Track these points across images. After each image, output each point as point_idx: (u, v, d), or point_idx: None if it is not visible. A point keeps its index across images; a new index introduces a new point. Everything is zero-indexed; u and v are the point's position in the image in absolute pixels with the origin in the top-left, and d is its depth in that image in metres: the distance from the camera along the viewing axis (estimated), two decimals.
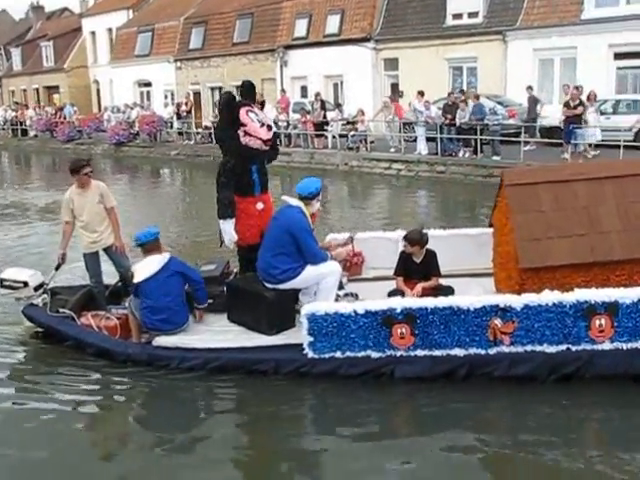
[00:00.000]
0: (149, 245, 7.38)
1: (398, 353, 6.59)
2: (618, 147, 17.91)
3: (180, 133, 32.34)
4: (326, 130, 25.64)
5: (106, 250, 8.31)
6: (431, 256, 7.57)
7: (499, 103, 23.57)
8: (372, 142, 24.38)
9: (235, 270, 8.21)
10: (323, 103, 26.18)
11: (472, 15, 28.04)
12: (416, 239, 7.46)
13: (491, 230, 7.98)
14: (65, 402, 6.71)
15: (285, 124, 27.06)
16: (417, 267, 7.56)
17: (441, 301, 6.53)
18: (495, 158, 20.40)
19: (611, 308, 6.33)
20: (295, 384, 6.70)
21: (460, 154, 21.42)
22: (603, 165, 8.48)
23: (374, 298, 6.88)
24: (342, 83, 32.44)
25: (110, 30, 48.23)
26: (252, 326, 7.20)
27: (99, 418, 6.72)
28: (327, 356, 6.66)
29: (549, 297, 6.38)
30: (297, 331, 6.93)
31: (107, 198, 8.22)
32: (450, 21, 28.71)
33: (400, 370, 6.61)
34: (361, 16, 31.18)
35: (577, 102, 19.12)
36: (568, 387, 6.40)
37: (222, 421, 6.37)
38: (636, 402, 6.24)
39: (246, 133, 7.34)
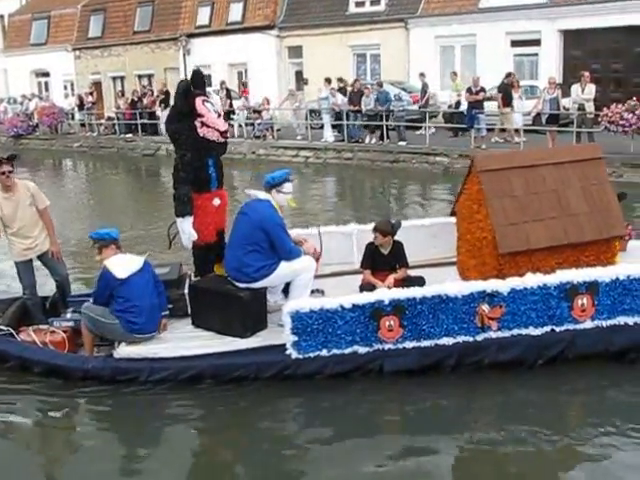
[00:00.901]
0: (118, 243, 6.85)
1: (386, 346, 6.37)
2: (517, 130, 18.51)
3: (82, 125, 31.43)
4: (232, 119, 25.44)
5: (41, 257, 7.55)
6: (399, 247, 7.41)
7: (403, 89, 23.95)
8: (279, 130, 24.36)
9: (189, 272, 7.68)
10: (228, 92, 25.98)
11: (374, 3, 28.41)
12: (388, 230, 7.29)
13: (444, 220, 8.05)
14: (21, 430, 6.14)
15: None
16: (385, 259, 7.38)
17: (429, 290, 6.41)
18: (401, 143, 20.75)
19: (592, 287, 6.45)
20: (270, 389, 6.33)
21: (367, 140, 21.68)
22: (563, 150, 8.58)
23: (339, 294, 6.62)
24: (246, 71, 32.24)
25: (2, 17, 46.32)
26: (223, 330, 6.71)
27: (61, 444, 6.08)
28: (312, 355, 6.32)
29: (534, 280, 6.41)
30: (271, 332, 6.64)
31: (39, 198, 7.43)
32: (353, 9, 28.95)
33: (389, 364, 6.39)
34: (264, 4, 31.04)
35: (478, 88, 19.62)
36: (552, 371, 6.46)
37: (196, 436, 6.06)
38: (615, 381, 6.40)
39: (203, 124, 6.91)
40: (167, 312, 6.98)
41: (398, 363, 6.40)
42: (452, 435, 5.71)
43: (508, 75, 20.50)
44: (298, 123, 24.07)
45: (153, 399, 6.36)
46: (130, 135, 28.31)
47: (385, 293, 6.40)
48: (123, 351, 6.60)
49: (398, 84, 24.70)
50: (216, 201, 7.18)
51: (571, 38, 24.81)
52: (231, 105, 25.56)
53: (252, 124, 24.72)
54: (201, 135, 6.92)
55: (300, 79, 30.07)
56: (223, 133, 7.09)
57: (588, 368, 6.45)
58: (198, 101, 6.94)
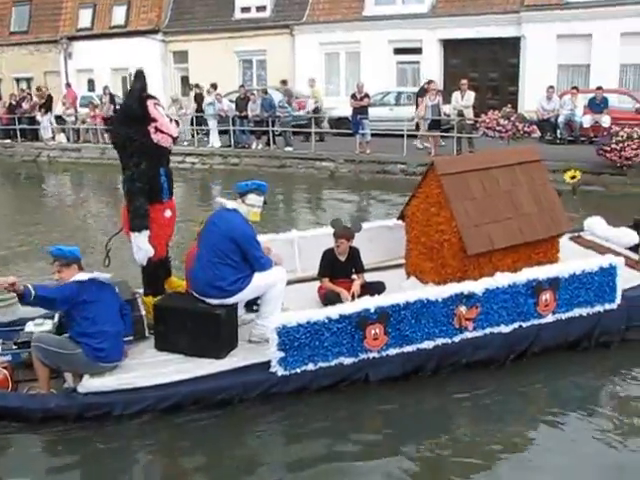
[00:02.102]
0: (80, 263, 6.14)
1: (371, 355, 6.28)
2: (402, 136, 18.93)
3: None
4: None
5: None
6: (356, 252, 7.32)
7: (289, 96, 24.05)
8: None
9: (137, 291, 6.93)
10: (112, 97, 25.37)
11: (260, 9, 28.49)
12: (348, 233, 7.21)
13: (379, 224, 8.21)
14: None
15: (73, 119, 25.94)
16: (343, 265, 7.27)
17: (412, 295, 6.38)
18: (287, 149, 20.83)
19: (554, 283, 6.79)
20: (236, 413, 5.97)
21: (253, 146, 21.66)
22: (509, 152, 8.87)
23: (294, 306, 6.55)
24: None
25: None
26: (194, 352, 6.18)
27: None
28: (299, 371, 6.09)
29: (505, 279, 6.62)
30: (244, 349, 6.34)
31: None
32: (239, 14, 28.93)
33: (374, 373, 6.29)
34: (148, 7, 30.57)
35: (363, 94, 19.95)
36: (514, 366, 6.69)
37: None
38: (572, 369, 6.77)
39: (157, 130, 6.38)
40: (131, 337, 6.34)
41: (383, 371, 6.33)
42: (430, 436, 5.76)
43: (429, 82, 20.88)
44: (183, 129, 23.75)
45: (115, 433, 5.77)
46: (8, 141, 27.16)
47: (371, 301, 6.27)
48: (90, 384, 5.85)
49: (285, 90, 24.79)
50: (167, 213, 6.69)
51: (451, 47, 25.67)
52: (115, 111, 24.93)
53: (106, 130, 24.18)
54: (155, 141, 6.40)
55: (186, 84, 29.74)
56: (175, 139, 6.69)
57: (546, 360, 6.75)
58: (151, 104, 6.44)
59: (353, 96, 20.11)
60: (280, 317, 6.07)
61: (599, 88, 19.43)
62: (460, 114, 18.55)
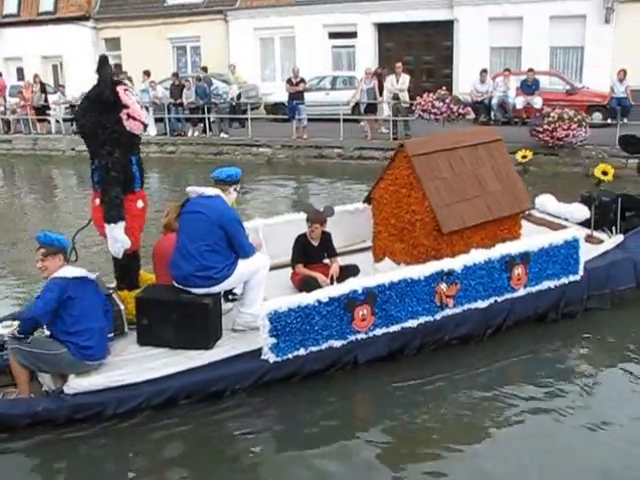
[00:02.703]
0: (66, 254, 5.87)
1: (359, 336, 6.31)
2: (338, 120, 18.96)
3: None
4: (48, 114, 24.29)
5: None
6: (328, 237, 7.32)
7: (224, 82, 23.82)
8: None
9: (109, 286, 6.73)
10: (43, 86, 24.74)
11: None
12: (322, 218, 7.22)
13: (344, 208, 8.23)
14: None
15: (2, 109, 25.22)
16: (315, 250, 7.26)
17: (396, 275, 6.47)
18: (224, 136, 20.66)
19: (525, 257, 7.05)
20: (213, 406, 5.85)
21: (189, 133, 21.41)
22: (471, 133, 9.01)
23: (272, 293, 6.47)
24: (62, 64, 30.85)
25: None
26: (180, 344, 6.03)
27: None
28: (291, 356, 6.06)
29: (481, 255, 6.82)
30: (231, 338, 6.24)
31: None
32: (171, 0, 28.45)
33: (362, 354, 6.33)
34: None
35: (298, 79, 19.87)
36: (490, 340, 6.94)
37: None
38: (543, 339, 7.09)
39: (129, 116, 6.16)
40: (112, 334, 6.13)
41: (370, 352, 6.38)
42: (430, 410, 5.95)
43: (383, 67, 20.77)
44: None
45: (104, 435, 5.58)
46: None
47: (358, 282, 6.33)
48: (78, 384, 5.60)
49: (219, 76, 24.54)
50: (140, 203, 6.46)
51: (385, 31, 25.75)
52: (46, 100, 24.36)
53: (71, 120, 23.67)
54: (128, 128, 6.18)
55: (119, 72, 29.15)
56: (145, 126, 6.48)
57: (518, 333, 7.06)
58: (121, 90, 6.18)
59: (289, 81, 20.02)
60: (271, 303, 6.00)
61: (530, 70, 19.76)
62: (395, 97, 18.64)
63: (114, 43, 29.76)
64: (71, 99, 24.40)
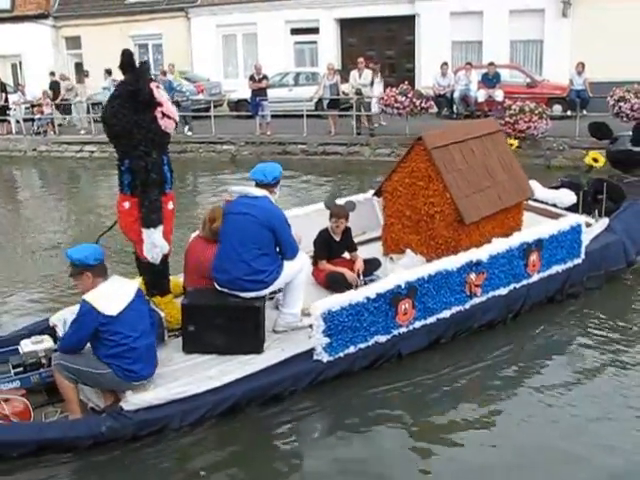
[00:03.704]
0: (101, 267, 5.37)
1: (401, 330, 6.34)
2: (301, 116, 18.98)
3: None
4: (8, 114, 23.99)
5: None
6: (348, 232, 7.25)
7: (187, 79, 23.74)
8: (60, 125, 23.28)
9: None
10: (3, 85, 24.43)
11: None
12: (346, 212, 7.14)
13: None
14: None
15: None
16: (338, 245, 7.18)
17: (432, 267, 6.55)
18: (188, 133, 20.54)
19: (539, 244, 7.25)
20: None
21: None
22: (476, 124, 9.31)
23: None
24: (21, 64, 30.46)
25: None
26: (230, 349, 5.82)
27: None
28: (342, 355, 5.99)
29: (503, 244, 7.00)
30: (276, 340, 6.07)
31: None
32: None
33: (404, 347, 6.36)
34: None
35: (261, 75, 19.86)
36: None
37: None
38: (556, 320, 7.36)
39: (164, 115, 5.87)
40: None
41: (412, 344, 6.43)
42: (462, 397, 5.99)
43: (376, 62, 20.78)
44: (80, 117, 23.14)
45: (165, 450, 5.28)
46: None
47: (401, 277, 6.33)
48: (139, 400, 5.27)
49: (182, 74, 24.43)
50: (170, 205, 6.14)
51: (347, 27, 25.83)
52: (7, 100, 24.05)
53: (31, 120, 23.42)
54: (162, 127, 5.88)
55: (81, 71, 28.87)
56: (177, 124, 6.24)
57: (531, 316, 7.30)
58: (154, 87, 5.88)
59: (251, 78, 19.98)
60: (323, 302, 5.90)
61: (491, 64, 19.96)
62: (358, 92, 18.70)
63: (75, 41, 29.50)
64: (32, 98, 24.14)
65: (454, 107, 20.25)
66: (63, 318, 6.18)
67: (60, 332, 6.06)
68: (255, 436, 5.48)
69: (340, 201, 7.63)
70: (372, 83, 19.12)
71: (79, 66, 29.43)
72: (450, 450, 5.21)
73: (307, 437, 5.63)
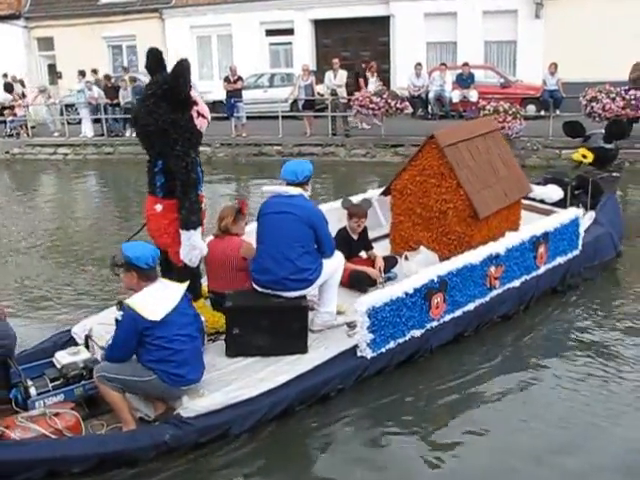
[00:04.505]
0: (150, 272, 5.13)
1: (434, 324, 6.45)
2: (277, 117, 18.96)
3: None
4: None
5: None
6: (365, 231, 7.33)
7: None
8: (33, 127, 23.06)
9: None
10: None
11: None
12: (366, 211, 7.25)
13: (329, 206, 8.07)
14: None
15: None
16: (356, 244, 7.23)
17: (459, 261, 6.67)
18: None
19: (546, 237, 7.55)
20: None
21: (127, 134, 21.13)
22: (477, 123, 9.56)
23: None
24: None
25: None
26: (275, 350, 5.77)
27: None
28: (384, 350, 6.04)
29: (517, 237, 7.27)
30: (317, 340, 6.01)
31: None
32: None
33: (435, 340, 6.46)
34: None
35: (236, 77, 19.82)
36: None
37: None
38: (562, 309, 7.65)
39: (199, 114, 5.76)
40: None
41: (441, 337, 6.53)
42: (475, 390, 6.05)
43: (366, 62, 20.82)
44: (53, 119, 22.94)
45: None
46: None
47: (433, 271, 6.45)
48: (198, 406, 5.14)
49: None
50: (203, 205, 6.01)
51: (322, 28, 25.85)
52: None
53: (3, 122, 23.17)
54: (198, 127, 5.77)
55: (54, 72, 28.66)
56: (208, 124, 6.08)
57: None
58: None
59: (226, 79, 19.95)
60: (367, 299, 5.94)
61: (465, 64, 20.11)
62: (333, 93, 18.73)
63: (47, 43, 29.21)
64: (2, 100, 23.87)
65: (429, 107, 20.37)
66: (87, 327, 6.10)
67: (80, 342, 5.99)
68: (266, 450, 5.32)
69: (355, 201, 7.70)
70: (367, 83, 19.23)
71: (52, 67, 29.19)
72: (461, 456, 5.15)
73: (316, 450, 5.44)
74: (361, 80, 19.73)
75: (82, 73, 22.12)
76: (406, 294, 6.12)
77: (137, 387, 5.10)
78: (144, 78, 21.19)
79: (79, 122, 22.27)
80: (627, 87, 15.88)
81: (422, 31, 23.89)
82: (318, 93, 19.55)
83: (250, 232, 6.53)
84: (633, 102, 15.44)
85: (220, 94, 20.88)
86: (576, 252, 8.02)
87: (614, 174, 9.51)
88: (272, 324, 5.76)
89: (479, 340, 6.85)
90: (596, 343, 6.82)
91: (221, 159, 18.92)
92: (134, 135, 19.88)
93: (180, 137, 5.63)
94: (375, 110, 17.47)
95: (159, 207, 5.85)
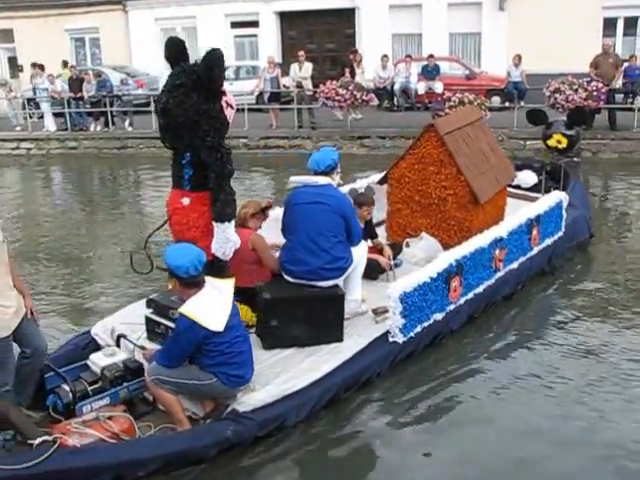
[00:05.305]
0: (190, 280, 4.94)
1: (452, 307, 6.60)
2: (242, 110, 18.85)
3: None
4: None
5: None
6: (370, 219, 7.38)
7: (127, 74, 23.40)
8: None
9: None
10: None
11: None
12: (372, 199, 7.27)
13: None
14: None
15: None
16: (362, 232, 7.05)
17: (471, 245, 6.86)
18: (128, 129, 20.27)
19: (538, 219, 7.87)
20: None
21: (91, 128, 20.90)
22: (464, 112, 9.95)
23: None
24: None
25: None
26: (312, 341, 5.78)
27: None
28: (413, 334, 6.16)
29: (515, 221, 7.56)
30: (345, 328, 5.99)
31: None
32: None
33: (453, 323, 6.63)
34: None
35: None
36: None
37: None
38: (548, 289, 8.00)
39: (228, 104, 5.62)
40: None
41: (458, 320, 6.70)
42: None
43: (353, 52, 20.77)
44: (15, 113, 22.58)
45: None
46: None
47: (451, 255, 6.61)
48: (254, 399, 5.11)
49: (121, 69, 24.09)
50: None
51: (287, 20, 25.76)
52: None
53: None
54: (228, 117, 5.62)
55: (14, 65, 28.21)
56: None
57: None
58: None
59: None
60: (398, 284, 6.05)
61: (431, 56, 20.19)
62: (299, 85, 18.69)
63: (7, 35, 28.66)
64: None
65: (395, 99, 20.41)
66: (109, 327, 6.04)
67: (102, 342, 5.92)
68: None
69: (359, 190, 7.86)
70: (353, 74, 19.27)
71: (12, 60, 28.72)
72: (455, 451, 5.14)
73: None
74: (347, 70, 19.71)
75: (40, 66, 21.63)
76: (431, 278, 6.28)
77: (194, 389, 5.03)
78: (109, 72, 21.06)
79: (42, 116, 21.95)
80: (589, 79, 16.10)
81: (387, 23, 23.94)
82: (284, 85, 19.48)
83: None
84: (595, 93, 15.65)
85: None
86: (560, 234, 8.42)
87: (575, 159, 9.93)
88: (308, 314, 5.79)
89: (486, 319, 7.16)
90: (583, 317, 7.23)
91: None
92: (98, 129, 19.68)
93: (211, 128, 5.47)
94: (341, 102, 17.46)
95: (186, 200, 5.68)
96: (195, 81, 5.36)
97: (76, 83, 20.88)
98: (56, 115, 21.33)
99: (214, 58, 5.31)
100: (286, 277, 6.03)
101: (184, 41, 5.66)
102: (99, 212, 13.56)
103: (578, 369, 6.14)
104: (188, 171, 5.63)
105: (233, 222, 5.65)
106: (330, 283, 5.94)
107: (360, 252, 6.18)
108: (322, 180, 6.06)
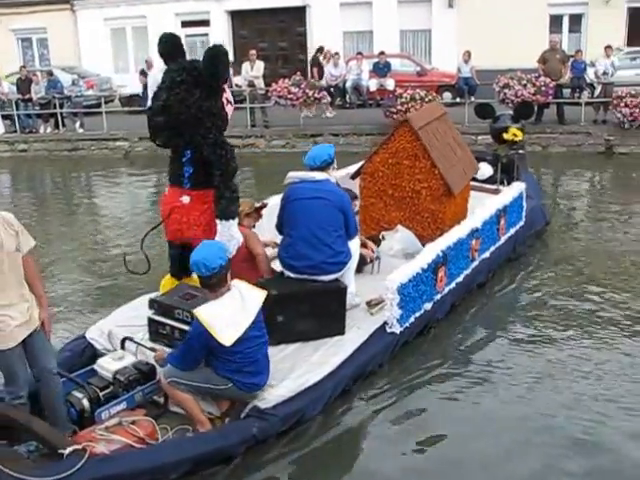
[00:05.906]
0: (205, 281, 4.87)
1: (438, 296, 6.75)
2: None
3: None
4: None
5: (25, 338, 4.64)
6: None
7: (77, 75, 23.07)
8: None
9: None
10: None
11: None
12: (355, 194, 7.54)
13: None
14: None
15: None
16: None
17: (452, 236, 7.04)
18: (79, 130, 20.00)
19: (505, 210, 8.24)
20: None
21: (41, 130, 20.56)
22: (429, 108, 10.37)
23: None
24: None
25: None
26: (317, 334, 5.85)
27: None
28: (407, 324, 6.29)
29: (486, 212, 7.81)
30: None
31: (24, 237, 4.63)
32: None
33: (439, 313, 6.77)
34: None
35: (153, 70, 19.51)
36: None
37: None
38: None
39: (228, 101, 5.62)
40: None
41: (443, 310, 6.88)
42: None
43: (320, 50, 20.62)
44: None
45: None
46: None
47: (437, 245, 6.76)
48: (274, 395, 5.12)
49: (70, 69, 23.75)
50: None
51: (239, 19, 25.70)
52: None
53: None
54: (228, 115, 5.63)
55: None
56: None
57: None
58: None
59: (142, 72, 19.62)
60: (396, 276, 6.14)
61: (382, 53, 20.29)
62: (251, 84, 18.66)
63: None
64: None
65: (347, 97, 20.49)
66: (104, 331, 5.93)
67: (100, 347, 5.83)
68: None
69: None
70: (321, 73, 19.35)
71: None
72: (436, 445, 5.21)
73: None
74: (315, 70, 19.66)
75: None
76: (422, 269, 6.43)
77: (210, 393, 5.03)
78: (58, 72, 20.73)
79: None
80: (537, 74, 16.39)
81: (338, 21, 24.05)
82: (236, 85, 19.41)
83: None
84: (543, 88, 15.95)
85: (137, 87, 20.52)
86: (521, 223, 8.79)
87: (520, 151, 10.17)
88: (312, 308, 5.85)
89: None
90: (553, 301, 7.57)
91: (140, 154, 18.58)
92: (48, 130, 19.24)
93: (213, 125, 5.46)
94: (293, 100, 17.49)
95: (186, 199, 5.68)
96: (196, 78, 5.31)
97: (25, 84, 20.52)
98: (4, 117, 20.94)
99: (219, 55, 5.27)
100: (287, 273, 6.07)
101: (179, 36, 5.63)
102: (49, 215, 13.39)
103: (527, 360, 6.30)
104: (188, 169, 5.63)
105: (236, 220, 5.64)
106: (332, 277, 6.00)
107: (355, 245, 6.34)
108: (319, 175, 6.12)
